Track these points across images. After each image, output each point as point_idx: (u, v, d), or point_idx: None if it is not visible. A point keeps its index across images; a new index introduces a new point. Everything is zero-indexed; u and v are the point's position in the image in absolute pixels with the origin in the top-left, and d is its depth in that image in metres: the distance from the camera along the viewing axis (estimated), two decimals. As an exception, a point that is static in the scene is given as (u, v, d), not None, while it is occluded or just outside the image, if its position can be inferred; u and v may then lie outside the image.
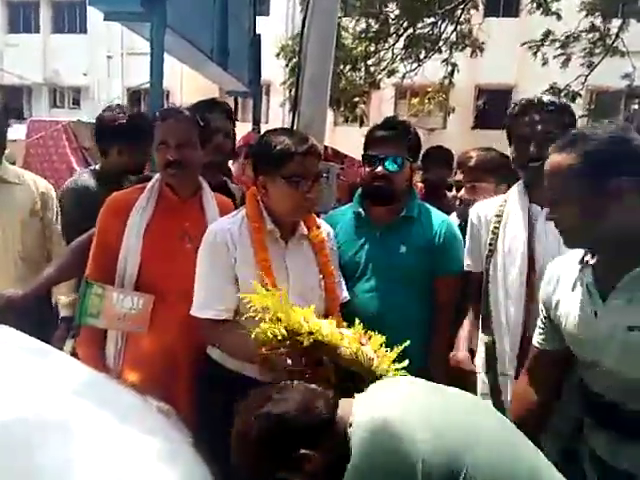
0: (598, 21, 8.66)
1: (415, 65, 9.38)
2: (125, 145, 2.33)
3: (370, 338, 1.48)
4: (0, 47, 19.37)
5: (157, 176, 1.92)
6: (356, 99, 10.16)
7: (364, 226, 2.02)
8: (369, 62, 9.49)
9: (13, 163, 2.45)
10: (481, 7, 9.56)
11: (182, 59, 4.89)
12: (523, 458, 1.19)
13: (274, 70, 10.87)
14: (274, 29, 11.82)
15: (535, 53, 8.91)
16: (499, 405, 1.77)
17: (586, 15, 8.57)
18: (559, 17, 8.46)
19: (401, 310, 1.87)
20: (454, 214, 2.52)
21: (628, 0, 8.29)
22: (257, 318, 1.47)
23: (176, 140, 1.82)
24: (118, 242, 1.82)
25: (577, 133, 1.31)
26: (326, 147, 6.51)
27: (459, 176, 2.51)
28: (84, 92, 19.52)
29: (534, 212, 1.81)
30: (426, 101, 11.99)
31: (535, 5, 8.51)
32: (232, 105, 2.98)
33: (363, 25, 9.22)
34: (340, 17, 8.65)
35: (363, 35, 9.16)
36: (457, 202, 2.54)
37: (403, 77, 9.57)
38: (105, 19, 3.55)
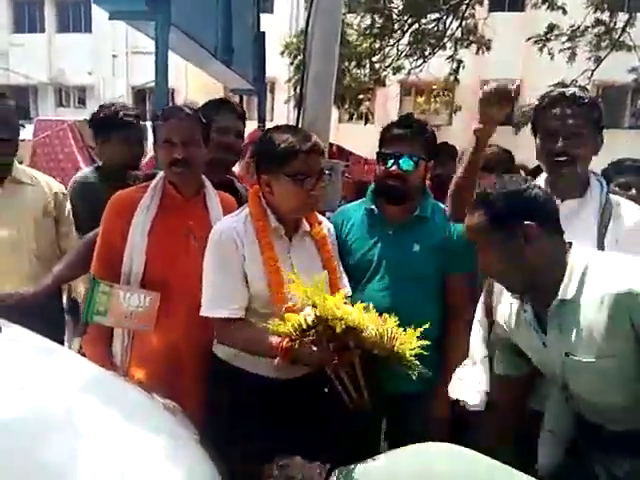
0: (604, 15, 8.59)
1: (420, 61, 9.34)
2: (122, 134, 2.41)
3: (385, 321, 1.51)
4: (5, 47, 19.45)
5: (160, 174, 1.92)
6: (361, 96, 10.14)
7: (377, 224, 2.01)
8: (374, 59, 9.46)
9: (21, 163, 2.47)
10: (486, 2, 9.50)
11: (186, 57, 4.89)
12: None
13: (279, 68, 10.86)
14: (279, 27, 11.79)
15: (541, 48, 8.85)
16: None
17: (595, 11, 8.50)
18: (564, 11, 8.40)
19: (413, 309, 1.81)
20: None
21: (634, -6, 8.23)
22: (301, 305, 1.51)
23: (181, 138, 1.83)
24: (123, 241, 1.83)
25: (481, 193, 1.46)
26: (331, 144, 6.52)
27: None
28: (89, 91, 19.58)
29: None
30: (432, 100, 11.95)
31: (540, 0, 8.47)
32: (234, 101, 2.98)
33: (368, 21, 9.19)
34: (345, 14, 8.63)
35: (368, 32, 9.14)
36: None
37: (408, 73, 9.54)
38: (110, 18, 3.55)
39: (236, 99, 6.01)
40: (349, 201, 2.42)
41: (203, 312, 1.70)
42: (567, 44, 8.75)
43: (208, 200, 1.94)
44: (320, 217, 1.91)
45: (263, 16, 6.13)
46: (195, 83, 13.44)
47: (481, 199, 1.44)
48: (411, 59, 9.35)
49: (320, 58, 2.55)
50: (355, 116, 10.43)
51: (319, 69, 2.57)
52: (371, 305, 1.55)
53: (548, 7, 8.52)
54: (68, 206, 2.40)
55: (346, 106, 10.24)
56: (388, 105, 15.57)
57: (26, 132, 7.17)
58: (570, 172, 1.75)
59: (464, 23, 8.96)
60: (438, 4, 8.60)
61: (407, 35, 9.05)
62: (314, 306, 1.46)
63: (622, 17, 8.63)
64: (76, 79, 19.21)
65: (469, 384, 1.77)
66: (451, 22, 8.91)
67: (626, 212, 1.73)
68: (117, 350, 1.88)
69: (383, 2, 8.95)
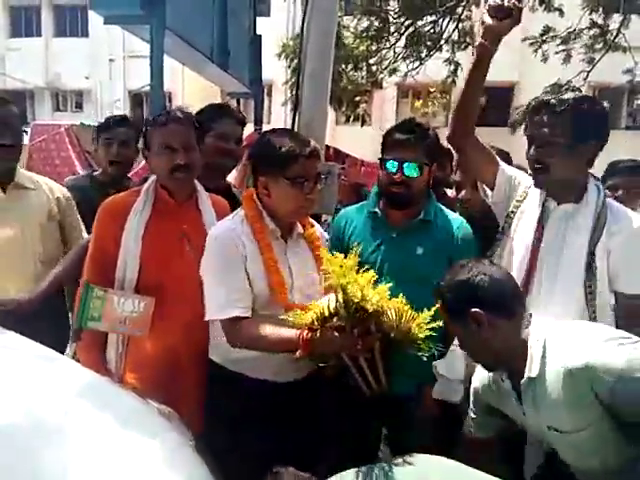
0: (600, 18, 8.61)
1: (417, 64, 9.36)
2: (125, 136, 2.45)
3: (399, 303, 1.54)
4: (2, 51, 19.45)
5: (152, 179, 1.91)
6: (358, 98, 10.15)
7: (380, 227, 2.01)
8: (371, 61, 9.47)
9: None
10: (482, 4, 9.52)
11: (182, 61, 4.89)
12: None
13: (276, 71, 10.87)
14: (275, 30, 11.81)
15: (536, 50, 8.87)
16: None
17: (590, 13, 8.52)
18: (562, 13, 8.42)
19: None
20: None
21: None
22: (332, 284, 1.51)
23: (182, 143, 1.82)
24: (116, 246, 1.82)
25: (436, 288, 1.56)
26: (327, 147, 6.51)
27: (459, 176, 2.50)
28: (86, 95, 19.59)
29: (547, 207, 1.79)
30: (429, 103, 11.96)
31: (537, 1, 8.47)
32: (234, 106, 2.99)
33: (364, 24, 9.20)
34: (341, 16, 8.65)
35: (364, 34, 9.15)
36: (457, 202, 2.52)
37: (405, 76, 9.55)
38: (105, 23, 3.55)
39: (233, 102, 6.01)
40: (345, 205, 2.42)
41: (211, 316, 1.69)
42: (562, 46, 8.76)
43: (200, 204, 1.94)
44: (312, 220, 1.92)
45: (259, 19, 6.13)
46: (192, 86, 13.44)
47: (436, 292, 1.55)
48: (408, 61, 9.36)
49: (316, 58, 2.56)
50: (352, 118, 10.44)
51: (315, 68, 2.57)
52: (383, 282, 1.56)
53: (545, 9, 8.54)
54: (75, 211, 2.40)
55: (343, 108, 10.25)
56: (385, 107, 15.60)
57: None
58: (544, 180, 1.74)
59: (460, 25, 8.98)
60: (434, 6, 8.61)
61: (404, 37, 9.06)
62: (343, 290, 1.46)
63: (617, 18, 8.65)
64: (73, 83, 19.23)
65: (447, 381, 1.83)
66: (447, 24, 8.92)
67: (622, 220, 1.72)
68: (112, 356, 1.87)
69: (379, 4, 8.96)
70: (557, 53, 8.86)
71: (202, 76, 5.40)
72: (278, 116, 14.28)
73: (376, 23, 9.07)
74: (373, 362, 1.56)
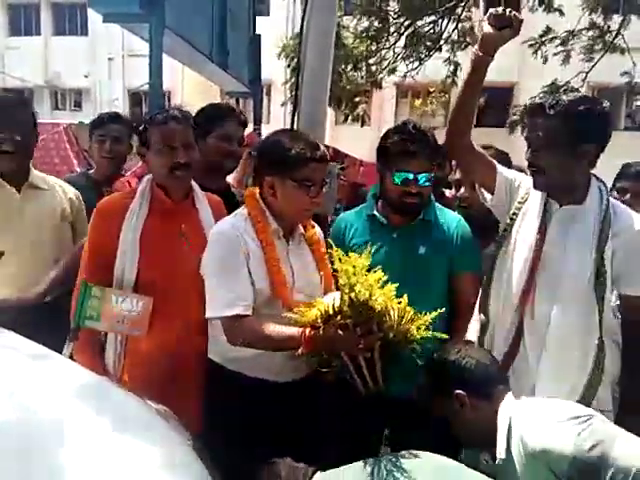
0: (599, 18, 8.61)
1: (416, 64, 9.35)
2: (118, 133, 2.48)
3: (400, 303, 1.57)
4: (1, 50, 19.42)
5: (147, 178, 1.91)
6: (357, 98, 10.15)
7: (380, 229, 2.03)
8: (370, 61, 9.47)
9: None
10: (482, 4, 9.52)
11: (181, 60, 4.89)
12: None
13: (275, 70, 10.86)
14: (275, 29, 11.80)
15: (536, 51, 8.87)
16: None
17: (589, 13, 8.52)
18: (561, 13, 8.42)
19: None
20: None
21: (629, -4, 8.25)
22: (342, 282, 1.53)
23: (182, 142, 1.83)
24: (113, 245, 1.82)
25: (427, 364, 1.64)
26: (327, 146, 6.50)
27: (458, 175, 2.50)
28: (85, 94, 19.56)
29: (549, 209, 1.78)
30: (429, 102, 11.96)
31: (537, 2, 8.47)
32: (235, 107, 3.00)
33: (364, 24, 9.20)
34: (341, 16, 8.64)
35: (364, 34, 9.14)
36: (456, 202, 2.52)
37: (404, 76, 9.55)
38: (104, 21, 3.55)
39: (232, 102, 6.01)
40: (345, 204, 2.42)
41: (212, 313, 1.69)
42: (561, 47, 8.76)
43: (197, 203, 1.93)
44: (312, 222, 1.93)
45: (259, 19, 6.13)
46: (191, 85, 13.41)
47: (426, 367, 1.65)
48: (407, 61, 9.36)
49: (315, 57, 2.56)
50: (351, 118, 10.42)
51: (314, 67, 2.57)
52: (389, 283, 1.58)
53: (545, 9, 8.54)
54: (84, 214, 2.39)
55: (342, 108, 10.24)
56: (384, 107, 15.61)
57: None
58: (542, 182, 1.74)
59: (460, 25, 8.97)
60: (434, 6, 8.61)
61: (403, 38, 9.06)
62: (352, 290, 1.48)
63: (616, 19, 8.65)
64: (72, 82, 19.20)
65: None
66: (447, 24, 8.92)
67: (625, 221, 1.71)
68: (110, 356, 1.86)
69: (379, 5, 8.95)
70: (556, 54, 8.85)
71: (201, 75, 5.40)
72: (277, 116, 14.26)
73: (376, 23, 9.07)
74: (371, 362, 1.57)
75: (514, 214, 1.84)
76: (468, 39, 9.09)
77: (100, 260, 1.84)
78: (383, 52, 9.40)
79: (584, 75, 8.79)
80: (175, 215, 1.88)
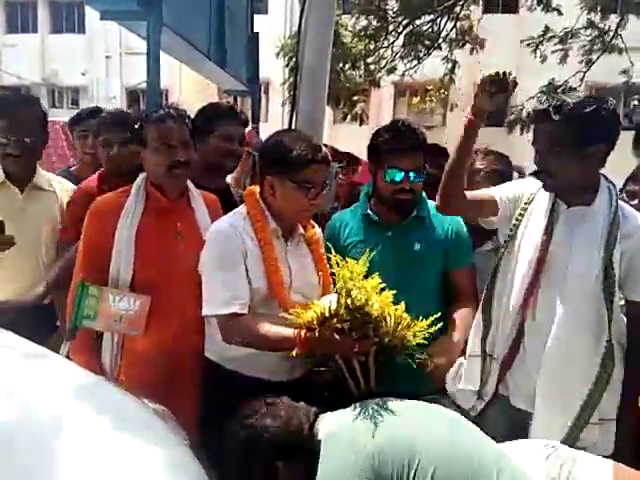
0: (597, 18, 8.62)
1: (415, 63, 9.36)
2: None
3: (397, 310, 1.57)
4: (-2, 47, 19.36)
5: (141, 177, 1.90)
6: (355, 97, 10.15)
7: (375, 227, 2.04)
8: (368, 60, 9.47)
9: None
10: (480, 3, 9.54)
11: (179, 58, 4.87)
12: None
13: (273, 69, 10.85)
14: (273, 28, 11.79)
15: (534, 50, 8.87)
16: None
17: (588, 12, 8.52)
18: (560, 13, 8.42)
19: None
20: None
21: (627, -4, 8.25)
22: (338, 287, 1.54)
23: (179, 141, 1.82)
24: (108, 244, 1.81)
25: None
26: (325, 146, 6.49)
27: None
28: (83, 92, 19.50)
29: (557, 209, 1.76)
30: (427, 99, 11.96)
31: (536, 1, 8.48)
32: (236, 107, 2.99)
33: (362, 23, 9.20)
34: (339, 15, 8.64)
35: (362, 33, 9.14)
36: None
37: (403, 75, 9.55)
38: (101, 18, 3.52)
39: (230, 100, 5.99)
40: (344, 203, 2.42)
41: (209, 311, 1.69)
42: (559, 46, 8.77)
43: (193, 201, 1.93)
44: (312, 222, 1.92)
45: (257, 17, 6.11)
46: (189, 83, 13.41)
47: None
48: (405, 60, 9.36)
49: (313, 55, 2.55)
50: (349, 117, 10.41)
51: (312, 65, 2.57)
52: (386, 290, 1.58)
53: (543, 9, 8.54)
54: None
55: (340, 107, 10.24)
56: (382, 106, 15.60)
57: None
58: (551, 184, 1.73)
59: (458, 24, 8.98)
60: (432, 5, 8.60)
61: (402, 36, 9.06)
62: (348, 294, 1.48)
63: (614, 19, 8.65)
64: (69, 80, 19.14)
65: (461, 388, 1.83)
66: (445, 23, 8.92)
67: (632, 223, 1.69)
68: (106, 356, 1.86)
69: (378, 4, 8.95)
70: (554, 52, 8.86)
71: (199, 73, 5.38)
72: (275, 114, 14.25)
73: (374, 22, 9.07)
74: (365, 365, 1.57)
75: (520, 214, 1.82)
76: (466, 37, 9.10)
77: (95, 259, 1.83)
78: (381, 51, 9.40)
79: (582, 75, 8.80)
80: (170, 214, 1.88)
